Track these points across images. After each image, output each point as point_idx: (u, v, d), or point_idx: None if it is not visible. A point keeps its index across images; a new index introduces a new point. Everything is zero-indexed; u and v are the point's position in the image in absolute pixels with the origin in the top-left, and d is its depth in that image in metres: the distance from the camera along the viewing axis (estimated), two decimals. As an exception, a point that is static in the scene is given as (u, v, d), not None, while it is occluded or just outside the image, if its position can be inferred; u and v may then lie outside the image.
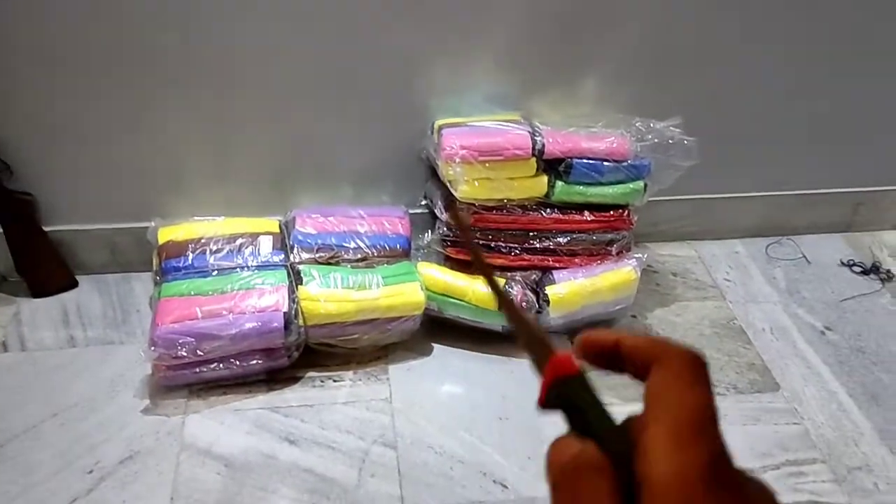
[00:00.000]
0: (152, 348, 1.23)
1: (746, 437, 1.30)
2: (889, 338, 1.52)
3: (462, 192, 1.32)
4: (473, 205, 1.35)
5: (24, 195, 1.40)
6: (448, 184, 1.34)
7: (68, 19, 1.25)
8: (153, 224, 1.42)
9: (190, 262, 1.35)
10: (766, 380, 1.42)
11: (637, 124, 1.42)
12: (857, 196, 1.76)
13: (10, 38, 1.26)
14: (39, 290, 1.48)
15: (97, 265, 1.53)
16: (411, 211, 1.52)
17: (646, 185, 1.41)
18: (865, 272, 1.69)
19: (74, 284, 1.51)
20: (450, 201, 1.37)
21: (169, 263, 1.35)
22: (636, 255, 1.42)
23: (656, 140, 1.40)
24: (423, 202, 1.53)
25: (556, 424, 1.24)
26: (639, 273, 1.40)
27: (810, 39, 1.49)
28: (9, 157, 1.37)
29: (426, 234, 1.47)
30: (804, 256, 1.73)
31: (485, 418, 1.30)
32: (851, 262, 1.71)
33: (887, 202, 1.78)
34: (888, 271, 1.68)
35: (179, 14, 1.27)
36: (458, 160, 1.30)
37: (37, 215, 1.43)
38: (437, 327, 1.45)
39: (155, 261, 1.39)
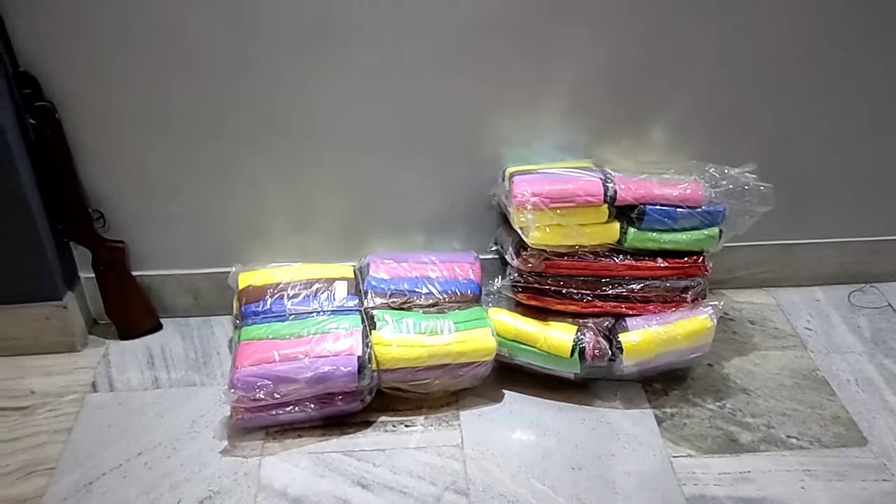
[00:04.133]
0: (232, 390, 1.26)
1: (833, 495, 1.24)
2: None
3: (534, 238, 1.33)
4: (545, 251, 1.36)
5: (117, 243, 1.48)
6: (519, 230, 1.35)
7: (150, 80, 1.33)
8: (234, 270, 1.48)
9: (268, 306, 1.39)
10: (851, 433, 1.36)
11: (711, 170, 1.41)
12: (947, 241, 1.69)
13: (104, 99, 1.34)
14: (127, 332, 1.55)
15: (181, 309, 1.60)
16: (482, 256, 1.54)
17: (721, 232, 1.39)
18: (957, 321, 1.61)
19: (159, 327, 1.58)
20: (520, 248, 1.38)
21: (248, 308, 1.40)
22: (712, 303, 1.39)
23: (731, 186, 1.39)
24: (494, 248, 1.54)
25: (629, 475, 1.23)
26: (715, 321, 1.37)
27: (886, 77, 1.45)
28: (103, 207, 1.46)
29: (496, 280, 1.48)
30: (890, 305, 1.66)
31: (557, 467, 1.29)
32: (941, 311, 1.64)
33: (978, 247, 1.70)
34: (983, 321, 1.60)
35: (252, 70, 1.33)
36: (529, 207, 1.32)
37: (127, 261, 1.51)
38: (508, 373, 1.44)
39: (235, 305, 1.44)
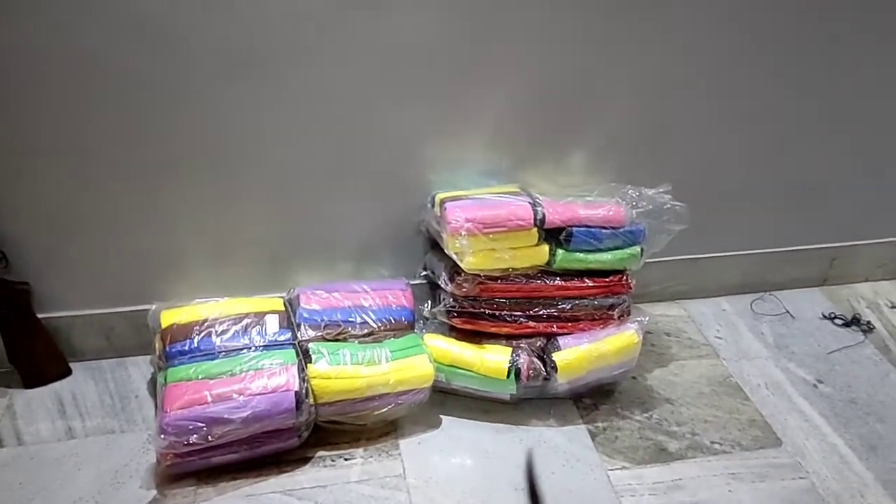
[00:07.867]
0: (162, 436, 1.19)
1: (757, 495, 1.32)
2: (878, 387, 1.57)
3: (469, 263, 1.35)
4: (479, 275, 1.37)
5: (20, 284, 1.37)
6: (454, 255, 1.36)
7: (61, 110, 1.25)
8: (154, 307, 1.40)
9: (196, 344, 1.33)
10: (767, 436, 1.44)
11: (630, 192, 1.47)
12: (832, 251, 1.84)
13: (3, 132, 1.26)
14: (32, 379, 1.44)
15: (92, 351, 1.50)
16: (411, 282, 1.54)
17: (642, 250, 1.45)
18: (847, 324, 1.75)
19: (69, 372, 1.47)
20: (454, 273, 1.39)
21: (174, 347, 1.33)
22: (638, 319, 1.45)
23: (649, 206, 1.45)
24: (423, 273, 1.54)
25: (571, 492, 1.25)
26: (641, 336, 1.43)
27: (781, 104, 1.58)
28: (4, 246, 1.35)
29: (426, 305, 1.48)
30: (788, 312, 1.79)
31: (500, 489, 1.30)
32: (833, 315, 1.77)
33: (859, 256, 1.86)
34: (868, 322, 1.75)
35: (174, 97, 1.28)
36: (464, 233, 1.33)
37: (32, 303, 1.40)
38: (443, 398, 1.45)
39: (158, 345, 1.36)
